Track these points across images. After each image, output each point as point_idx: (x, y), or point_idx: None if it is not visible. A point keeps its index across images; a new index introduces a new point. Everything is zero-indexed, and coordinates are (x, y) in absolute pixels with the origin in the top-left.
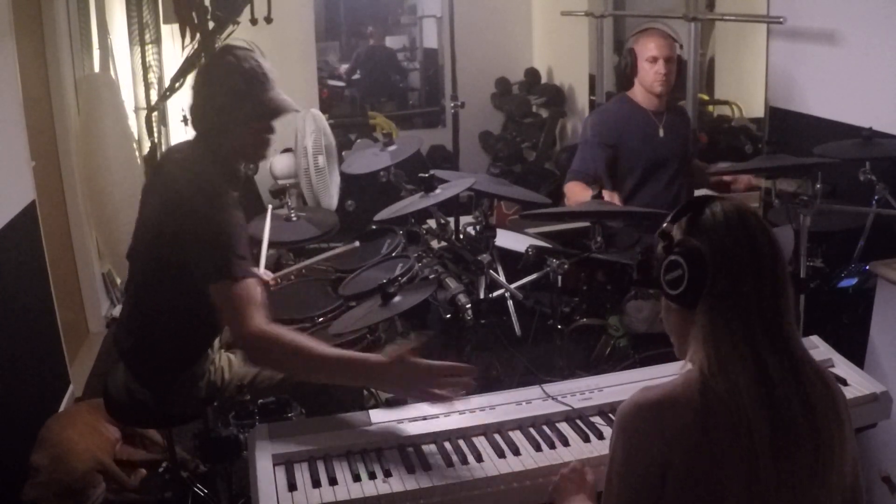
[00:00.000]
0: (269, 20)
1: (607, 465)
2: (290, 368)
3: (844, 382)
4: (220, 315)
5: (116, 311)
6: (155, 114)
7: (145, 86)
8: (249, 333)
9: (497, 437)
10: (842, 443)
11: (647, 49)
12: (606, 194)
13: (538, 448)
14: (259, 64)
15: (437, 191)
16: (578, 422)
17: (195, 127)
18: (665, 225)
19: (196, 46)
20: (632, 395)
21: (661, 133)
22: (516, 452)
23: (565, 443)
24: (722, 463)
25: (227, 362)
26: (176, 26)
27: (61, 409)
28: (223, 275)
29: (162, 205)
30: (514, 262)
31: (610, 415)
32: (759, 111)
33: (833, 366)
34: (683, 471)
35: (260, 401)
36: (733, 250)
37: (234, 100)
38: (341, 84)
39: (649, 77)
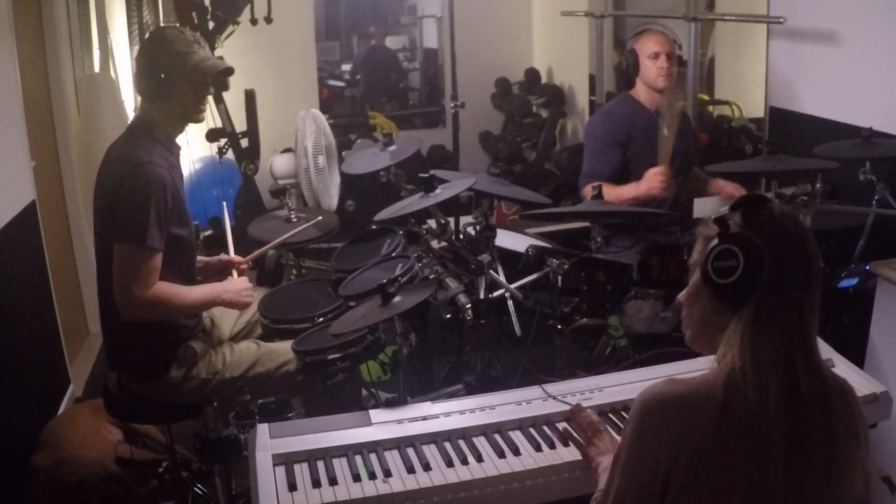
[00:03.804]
0: (269, 20)
1: (618, 445)
2: (165, 319)
3: None
4: (114, 273)
5: None
6: None
7: None
8: (136, 300)
9: (497, 437)
10: (856, 460)
11: (648, 46)
12: (652, 172)
13: (538, 448)
14: (193, 34)
15: (437, 191)
16: None
17: (140, 92)
18: (725, 212)
19: None
20: (656, 383)
21: (665, 132)
22: (516, 452)
23: (565, 443)
24: (731, 469)
25: (227, 352)
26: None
27: (61, 409)
28: (131, 238)
29: (102, 189)
30: (514, 262)
31: (610, 415)
32: (759, 111)
33: (833, 366)
34: (689, 473)
35: (260, 401)
36: (790, 256)
37: (178, 61)
38: (341, 84)
39: (652, 73)
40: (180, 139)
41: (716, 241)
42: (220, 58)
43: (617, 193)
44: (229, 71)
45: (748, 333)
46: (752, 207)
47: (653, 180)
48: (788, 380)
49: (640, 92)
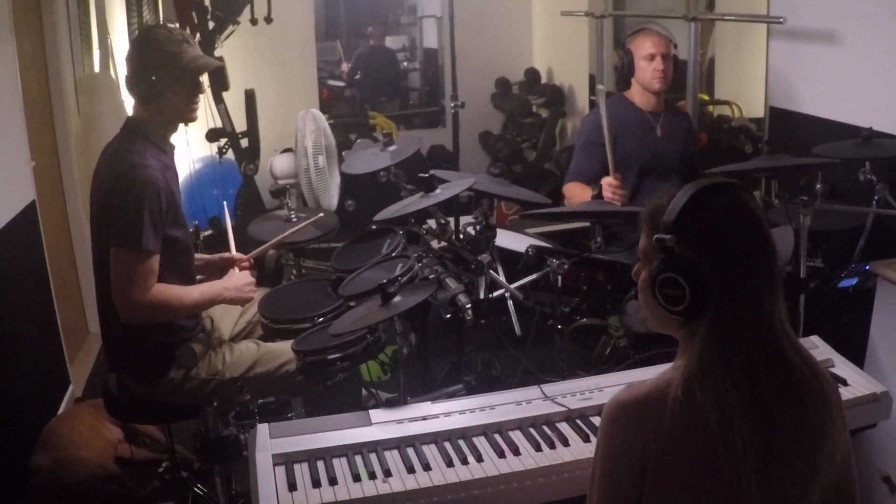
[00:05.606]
0: (269, 20)
1: (592, 462)
2: (166, 321)
3: (844, 382)
4: (112, 277)
5: None
6: None
7: None
8: (136, 303)
9: (497, 437)
10: (834, 440)
11: (644, 47)
12: (606, 181)
13: (538, 448)
14: (181, 32)
15: (437, 191)
16: (578, 422)
17: (132, 93)
18: (665, 236)
19: None
20: (618, 391)
21: (659, 133)
22: (516, 452)
23: (565, 443)
24: (700, 472)
25: (226, 353)
26: (176, 26)
27: (61, 409)
28: (126, 242)
29: (97, 191)
30: (514, 262)
31: None
32: (759, 111)
33: (833, 366)
34: (658, 474)
35: (260, 401)
36: (735, 264)
37: (168, 61)
38: (341, 84)
39: (647, 74)
40: (180, 139)
41: (659, 265)
42: (220, 58)
43: (578, 196)
44: (220, 69)
45: (704, 348)
46: (691, 215)
47: (605, 189)
48: (749, 387)
49: (635, 93)
